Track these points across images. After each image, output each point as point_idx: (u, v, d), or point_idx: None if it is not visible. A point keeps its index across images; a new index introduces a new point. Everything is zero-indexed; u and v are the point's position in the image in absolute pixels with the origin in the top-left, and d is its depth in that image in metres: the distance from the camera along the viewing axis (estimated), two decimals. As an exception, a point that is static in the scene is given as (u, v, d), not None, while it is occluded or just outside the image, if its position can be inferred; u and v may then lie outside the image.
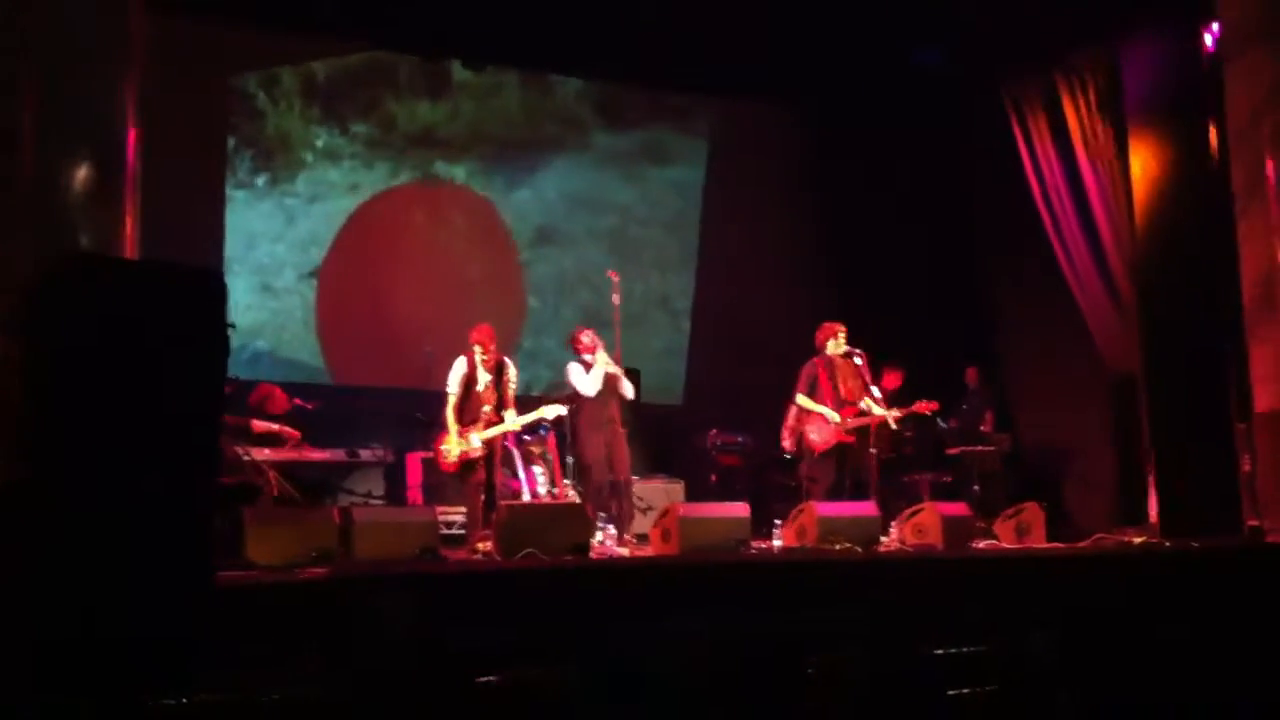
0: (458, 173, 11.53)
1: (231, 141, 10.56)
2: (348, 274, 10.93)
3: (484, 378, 7.99)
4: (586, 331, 8.67)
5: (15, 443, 4.41)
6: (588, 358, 8.51)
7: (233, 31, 10.04)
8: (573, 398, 8.52)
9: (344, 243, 10.95)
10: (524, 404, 9.28)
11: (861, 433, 8.67)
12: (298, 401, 8.96)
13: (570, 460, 8.91)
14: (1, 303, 4.79)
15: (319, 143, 10.95)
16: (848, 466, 8.61)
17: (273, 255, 10.75)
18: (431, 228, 11.39)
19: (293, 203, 10.81)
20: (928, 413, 9.15)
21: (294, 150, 10.86)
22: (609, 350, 8.69)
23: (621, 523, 8.18)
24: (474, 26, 10.24)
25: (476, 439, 7.86)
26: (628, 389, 8.56)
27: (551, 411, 8.31)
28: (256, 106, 10.70)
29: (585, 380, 8.45)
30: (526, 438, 9.00)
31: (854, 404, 8.65)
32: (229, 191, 10.52)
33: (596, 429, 8.37)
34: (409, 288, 11.00)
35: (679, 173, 12.33)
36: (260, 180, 10.71)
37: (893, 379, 10.08)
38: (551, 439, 9.18)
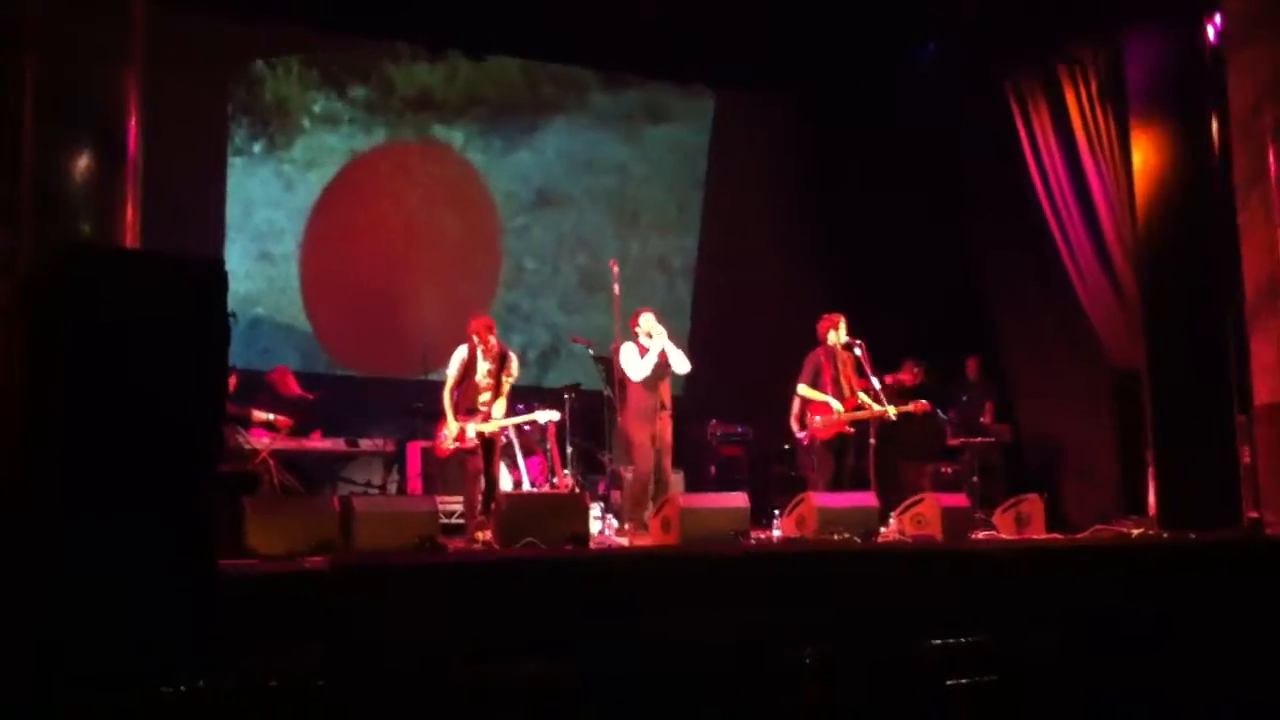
0: (456, 135, 11.50)
1: (229, 108, 10.53)
2: (329, 238, 10.93)
3: (484, 366, 7.97)
4: (645, 314, 8.55)
5: (17, 431, 4.43)
6: (645, 341, 8.42)
7: (234, 23, 10.04)
8: (621, 380, 8.45)
9: (324, 208, 10.93)
10: (527, 394, 9.32)
11: (860, 425, 8.70)
12: (301, 391, 9.03)
13: (570, 449, 8.93)
14: (3, 291, 4.79)
15: (316, 108, 10.92)
16: (846, 457, 8.62)
17: (270, 222, 10.74)
18: (410, 189, 11.33)
19: (290, 169, 10.80)
20: (919, 413, 9.17)
21: (291, 116, 10.83)
22: (608, 339, 8.68)
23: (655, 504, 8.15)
24: (474, 17, 10.23)
25: (472, 430, 7.85)
26: (680, 363, 8.45)
27: (544, 416, 8.33)
28: (254, 73, 10.66)
29: (637, 365, 8.35)
30: (526, 428, 9.01)
31: (854, 396, 8.68)
32: (228, 159, 10.52)
33: (644, 413, 8.32)
34: (389, 250, 11.05)
35: (679, 131, 12.30)
36: (257, 147, 10.69)
37: (909, 375, 10.10)
38: (551, 429, 9.19)
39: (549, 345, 11.70)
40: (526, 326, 11.64)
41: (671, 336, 8.53)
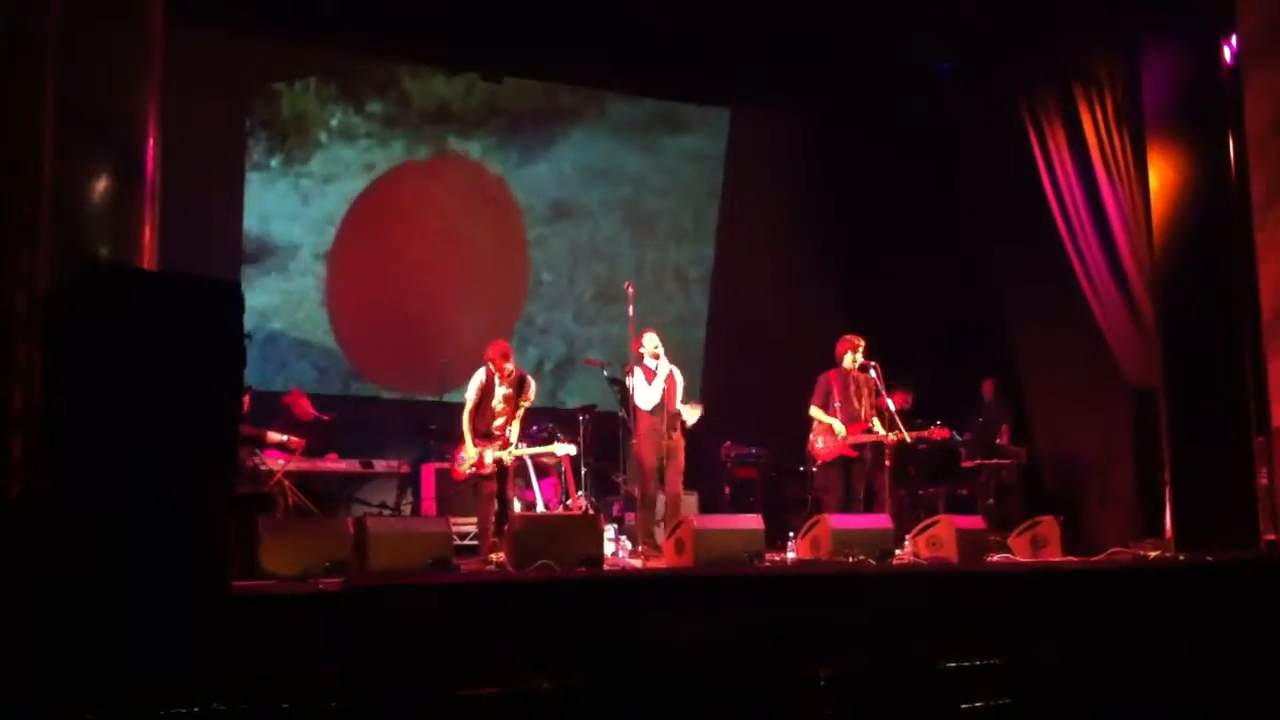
0: (473, 148, 11.50)
1: (248, 122, 10.57)
2: (355, 254, 10.98)
3: (501, 391, 7.96)
4: (649, 335, 8.48)
5: (35, 448, 4.46)
6: (650, 363, 8.36)
7: (252, 41, 10.10)
8: (632, 406, 8.39)
9: (350, 224, 10.98)
10: (543, 414, 9.32)
11: (875, 447, 8.66)
12: (316, 413, 9.06)
13: (584, 471, 8.92)
14: (22, 310, 4.82)
15: (334, 122, 10.95)
16: (856, 479, 8.59)
17: (288, 236, 10.77)
18: (437, 204, 11.37)
19: (307, 183, 10.83)
20: (938, 439, 9.15)
21: (309, 130, 10.86)
22: (623, 349, 8.66)
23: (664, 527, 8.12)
24: (491, 39, 10.28)
25: (490, 457, 7.84)
26: (689, 415, 8.42)
27: (562, 450, 8.33)
28: (272, 88, 10.69)
29: (645, 392, 8.30)
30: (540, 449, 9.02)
31: (863, 420, 8.63)
32: (245, 173, 10.55)
33: (653, 435, 8.26)
34: (414, 263, 11.09)
35: (696, 141, 12.29)
36: (275, 161, 10.72)
37: (900, 400, 10.06)
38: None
39: (565, 357, 11.72)
40: (542, 339, 11.69)
41: (686, 347, 8.44)
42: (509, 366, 7.97)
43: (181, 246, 7.24)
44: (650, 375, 8.34)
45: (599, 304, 11.73)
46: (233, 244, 10.29)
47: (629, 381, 8.43)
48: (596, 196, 11.97)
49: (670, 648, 5.21)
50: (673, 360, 8.55)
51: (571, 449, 8.44)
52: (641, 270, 11.67)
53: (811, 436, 8.80)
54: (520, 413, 8.00)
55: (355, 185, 11.02)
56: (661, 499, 8.39)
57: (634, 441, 8.43)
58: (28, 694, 3.97)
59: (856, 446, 8.59)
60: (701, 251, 12.37)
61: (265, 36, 10.10)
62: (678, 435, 8.36)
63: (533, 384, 8.15)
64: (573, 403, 10.77)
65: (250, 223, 10.54)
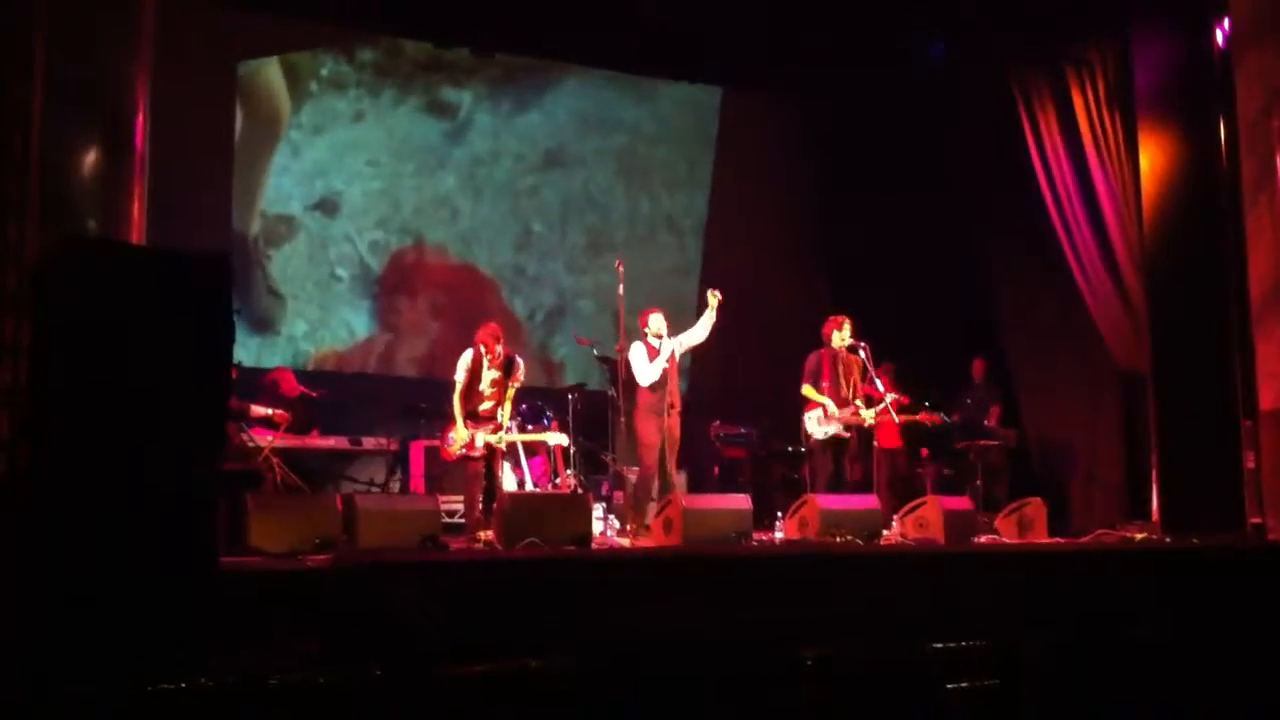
0: (464, 97, 11.35)
1: (237, 73, 10.48)
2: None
3: (490, 374, 7.94)
4: (655, 315, 8.38)
5: (21, 425, 4.43)
6: (654, 342, 8.29)
7: (241, 16, 10.02)
8: (628, 380, 8.34)
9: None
10: (532, 393, 9.31)
11: (860, 429, 8.68)
12: (303, 389, 9.03)
13: (573, 449, 8.91)
14: (10, 285, 4.79)
15: (324, 71, 10.84)
16: (846, 460, 8.60)
17: (278, 187, 10.69)
18: None
19: (297, 134, 10.73)
20: (928, 424, 9.17)
21: (300, 80, 10.75)
22: (613, 337, 8.64)
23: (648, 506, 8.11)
24: (482, 16, 10.22)
25: (481, 440, 7.83)
26: (700, 333, 8.34)
27: (554, 439, 8.32)
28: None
29: (646, 370, 8.21)
30: (529, 427, 9.00)
31: (850, 403, 8.65)
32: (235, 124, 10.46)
33: (655, 414, 8.19)
34: None
35: (692, 89, 12.13)
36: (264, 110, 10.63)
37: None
38: (554, 427, 9.18)
39: (555, 306, 11.68)
40: (533, 290, 11.61)
41: (679, 297, 8.30)
42: (499, 349, 7.96)
43: (170, 216, 7.21)
44: (653, 353, 8.27)
45: (591, 254, 11.62)
46: (222, 194, 10.20)
47: (630, 356, 8.31)
48: (590, 145, 11.85)
49: (656, 626, 5.22)
50: (667, 319, 8.47)
51: (564, 439, 8.43)
52: (635, 220, 11.60)
53: (805, 417, 8.80)
54: (510, 394, 7.99)
55: (344, 135, 10.88)
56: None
57: (631, 418, 8.40)
58: (14, 670, 3.96)
59: (846, 428, 8.60)
60: (695, 201, 12.27)
61: (253, 7, 10.00)
62: (675, 413, 8.33)
63: (521, 365, 8.12)
64: (560, 355, 10.71)
65: (240, 174, 10.42)
